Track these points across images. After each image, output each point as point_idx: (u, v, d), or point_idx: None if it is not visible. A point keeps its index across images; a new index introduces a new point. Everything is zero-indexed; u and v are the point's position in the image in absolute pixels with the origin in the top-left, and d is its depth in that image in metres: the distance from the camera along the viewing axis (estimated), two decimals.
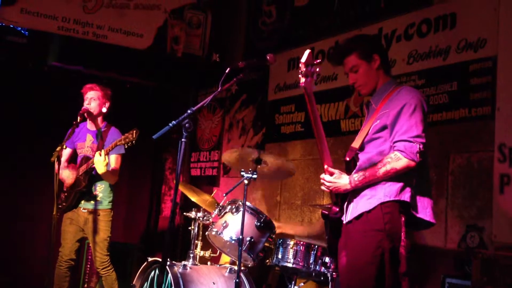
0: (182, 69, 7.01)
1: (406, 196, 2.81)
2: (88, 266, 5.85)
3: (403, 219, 2.81)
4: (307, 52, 2.80)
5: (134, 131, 4.21)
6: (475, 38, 4.00)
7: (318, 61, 2.86)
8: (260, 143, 6.15)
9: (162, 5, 6.49)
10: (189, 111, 2.73)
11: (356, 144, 3.01)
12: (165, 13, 6.49)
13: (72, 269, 4.70)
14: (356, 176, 2.88)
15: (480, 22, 4.00)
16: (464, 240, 3.88)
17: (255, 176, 3.56)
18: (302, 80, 2.82)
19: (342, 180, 2.94)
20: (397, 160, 2.76)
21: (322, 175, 3.04)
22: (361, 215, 2.86)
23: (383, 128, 2.90)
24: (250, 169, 3.63)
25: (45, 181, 4.64)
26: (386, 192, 2.82)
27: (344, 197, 3.01)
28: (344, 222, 2.98)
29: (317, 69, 2.84)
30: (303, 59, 2.78)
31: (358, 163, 2.96)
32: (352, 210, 2.92)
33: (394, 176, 2.79)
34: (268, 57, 3.13)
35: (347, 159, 2.98)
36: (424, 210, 2.87)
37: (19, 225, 6.34)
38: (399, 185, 2.81)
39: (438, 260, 4.02)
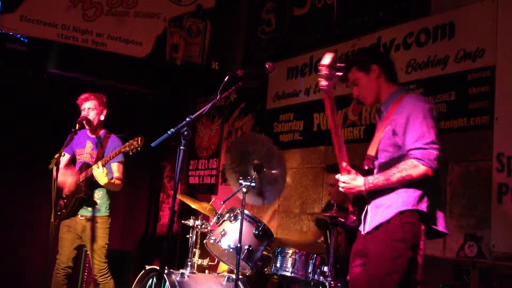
0: (181, 77, 7.03)
1: (423, 205, 2.77)
2: (86, 273, 5.83)
3: (423, 227, 2.78)
4: (331, 55, 2.72)
5: (139, 138, 4.22)
6: (474, 48, 4.02)
7: (342, 65, 2.77)
8: None
9: (162, 13, 6.51)
10: (187, 119, 2.73)
11: (371, 151, 3.00)
12: (165, 21, 6.51)
13: (69, 277, 4.67)
14: (371, 179, 2.86)
15: (478, 32, 4.02)
16: (463, 249, 3.88)
17: (253, 184, 3.55)
18: (324, 82, 2.73)
19: (356, 182, 2.91)
20: (414, 168, 2.71)
21: (338, 175, 2.98)
22: (380, 225, 2.83)
23: (394, 134, 2.87)
24: (248, 177, 3.63)
25: (44, 187, 4.62)
26: (404, 201, 2.78)
27: (361, 206, 2.99)
28: (363, 232, 2.95)
29: (340, 73, 2.76)
30: (326, 61, 2.70)
31: (375, 171, 2.95)
32: (371, 221, 2.89)
33: (408, 183, 2.76)
34: (267, 66, 3.13)
35: (366, 167, 2.96)
36: (439, 220, 2.84)
37: (17, 232, 6.33)
38: (417, 193, 2.77)
39: (436, 270, 4.01)
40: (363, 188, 2.88)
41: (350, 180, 2.93)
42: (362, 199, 2.98)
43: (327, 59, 2.70)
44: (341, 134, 2.96)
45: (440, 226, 2.84)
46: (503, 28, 3.86)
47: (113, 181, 4.58)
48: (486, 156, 3.84)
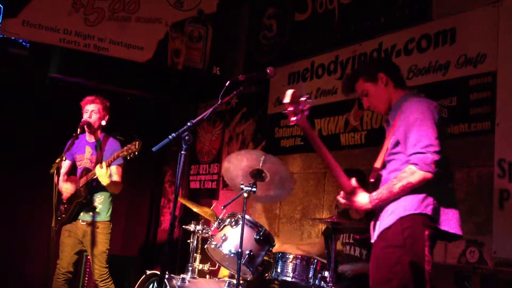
0: (182, 82, 7.04)
1: (428, 209, 2.71)
2: (86, 278, 5.82)
3: (426, 232, 2.70)
4: (290, 92, 2.74)
5: (137, 142, 4.22)
6: (475, 53, 4.02)
7: (304, 98, 2.78)
8: None
9: (163, 18, 6.53)
10: (189, 124, 2.73)
11: (378, 163, 2.97)
12: (166, 26, 6.52)
13: (69, 282, 4.67)
14: (375, 194, 2.83)
15: (479, 37, 4.03)
16: (464, 255, 3.87)
17: (254, 189, 3.55)
18: (293, 118, 2.78)
19: (362, 200, 2.89)
20: (412, 174, 2.68)
21: (339, 197, 2.98)
22: (382, 232, 2.80)
23: (397, 143, 2.85)
24: (249, 183, 3.62)
25: (45, 192, 4.63)
26: (406, 206, 2.74)
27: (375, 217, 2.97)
28: (372, 241, 2.93)
29: (308, 101, 2.79)
30: (286, 100, 2.74)
31: (381, 183, 2.92)
32: (378, 229, 2.87)
33: (411, 190, 2.72)
34: (268, 71, 3.13)
35: (372, 180, 2.94)
36: (449, 222, 2.76)
37: (18, 237, 6.32)
38: (419, 197, 2.73)
39: (438, 276, 3.99)
40: (369, 206, 2.85)
41: (355, 199, 2.90)
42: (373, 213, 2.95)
43: (287, 97, 2.73)
44: (331, 159, 2.95)
45: (450, 227, 2.75)
46: (504, 34, 3.87)
47: (113, 182, 4.57)
48: (487, 162, 3.83)
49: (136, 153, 4.23)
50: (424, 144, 2.69)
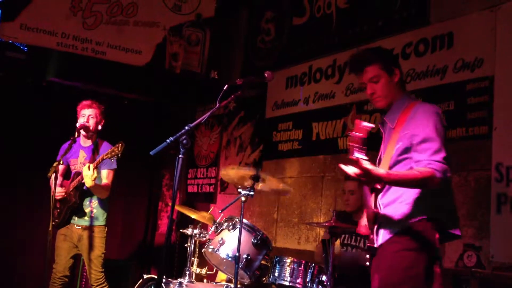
0: (180, 85, 7.04)
1: (437, 213, 2.74)
2: (83, 282, 5.81)
3: (437, 236, 2.72)
4: (367, 126, 2.69)
5: (120, 144, 4.22)
6: (472, 58, 4.03)
7: (369, 126, 2.70)
8: (257, 160, 6.15)
9: (161, 22, 6.53)
10: (186, 128, 2.72)
11: (383, 168, 2.88)
12: (164, 30, 6.53)
13: (66, 286, 4.65)
14: (391, 171, 2.77)
15: (477, 42, 4.04)
16: (462, 259, 3.87)
17: (252, 193, 3.55)
18: (356, 155, 2.67)
19: (377, 169, 2.69)
20: (432, 178, 2.62)
21: (364, 163, 2.69)
22: (391, 237, 2.77)
23: (407, 150, 2.80)
24: (247, 186, 3.62)
25: (43, 196, 4.62)
26: (413, 211, 2.74)
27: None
28: (376, 245, 2.86)
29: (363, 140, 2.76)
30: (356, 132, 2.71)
31: (386, 189, 2.87)
32: (384, 233, 2.82)
33: (418, 188, 2.73)
34: (266, 75, 3.13)
35: (379, 187, 2.87)
36: (454, 223, 2.81)
37: (16, 241, 6.31)
38: (428, 201, 2.74)
39: None
40: (384, 177, 2.66)
41: (370, 166, 2.66)
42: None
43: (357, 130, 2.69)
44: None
45: (457, 230, 2.81)
46: (501, 38, 3.88)
47: (101, 185, 4.54)
48: (485, 166, 3.84)
49: (119, 155, 4.22)
50: (443, 155, 2.68)
